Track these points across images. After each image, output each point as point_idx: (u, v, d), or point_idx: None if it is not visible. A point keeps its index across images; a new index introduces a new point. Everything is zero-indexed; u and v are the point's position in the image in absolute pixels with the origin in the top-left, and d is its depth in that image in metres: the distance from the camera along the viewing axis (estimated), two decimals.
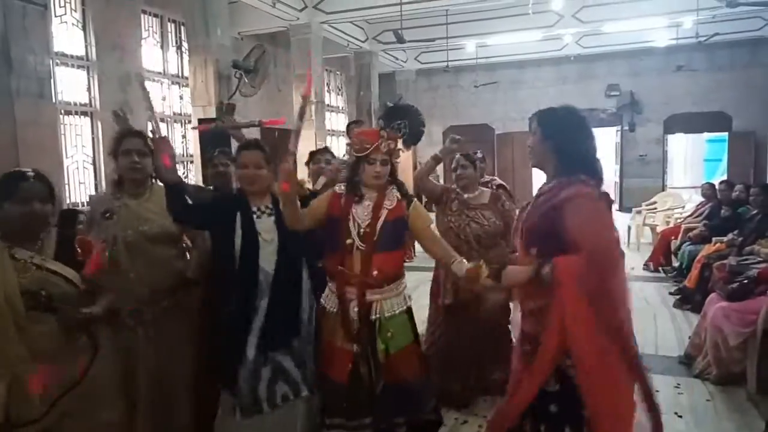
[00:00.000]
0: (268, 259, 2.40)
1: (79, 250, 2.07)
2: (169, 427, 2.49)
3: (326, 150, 3.73)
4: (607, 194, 2.00)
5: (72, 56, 6.55)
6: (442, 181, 14.33)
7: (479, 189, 3.43)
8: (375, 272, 2.28)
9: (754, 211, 5.08)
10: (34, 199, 1.88)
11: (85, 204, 4.19)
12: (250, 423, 2.38)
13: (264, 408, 2.39)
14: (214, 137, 5.90)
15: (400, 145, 2.44)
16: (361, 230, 2.31)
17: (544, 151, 2.00)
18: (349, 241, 2.30)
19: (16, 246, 1.87)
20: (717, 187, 6.62)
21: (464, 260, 2.28)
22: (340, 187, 2.44)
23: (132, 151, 2.49)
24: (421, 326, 5.01)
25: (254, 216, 2.45)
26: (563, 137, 1.96)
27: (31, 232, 1.93)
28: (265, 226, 2.44)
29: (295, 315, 2.47)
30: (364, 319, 2.31)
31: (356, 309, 2.30)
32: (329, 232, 2.39)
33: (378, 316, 2.31)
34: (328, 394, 2.40)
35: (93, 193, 6.55)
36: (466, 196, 3.37)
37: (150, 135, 2.39)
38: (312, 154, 3.64)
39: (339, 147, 12.72)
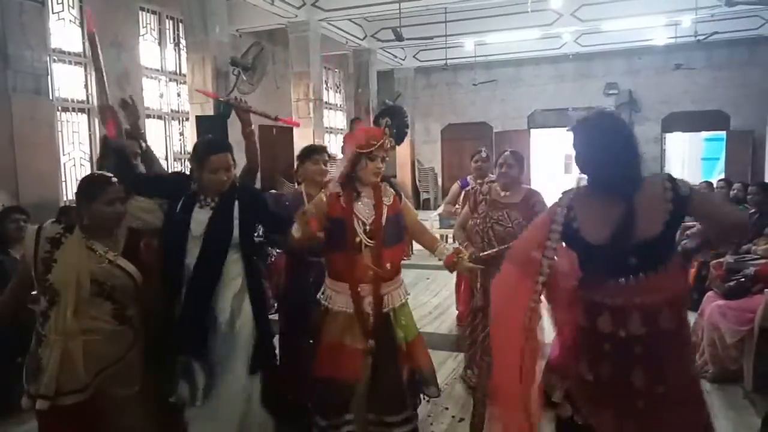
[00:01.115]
0: (192, 254, 2.36)
1: (143, 250, 2.25)
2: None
3: (324, 149, 3.39)
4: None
5: (69, 53, 6.53)
6: (440, 181, 14.36)
7: (519, 188, 3.31)
8: (388, 266, 2.38)
9: (752, 210, 5.09)
10: (116, 200, 2.12)
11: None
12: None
13: (185, 404, 2.37)
14: (211, 129, 5.89)
15: None
16: (367, 227, 2.36)
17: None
18: (357, 239, 2.34)
19: (93, 239, 2.10)
20: (716, 185, 6.62)
21: (447, 246, 2.47)
22: (335, 187, 2.42)
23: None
24: (418, 323, 5.04)
25: (197, 206, 2.41)
26: (579, 146, 1.91)
27: (109, 229, 2.15)
28: (199, 218, 2.40)
29: (204, 319, 2.38)
30: (378, 313, 2.38)
31: (371, 304, 2.37)
32: (331, 234, 2.40)
33: (391, 307, 2.41)
34: (333, 395, 2.38)
35: None
36: (502, 194, 3.29)
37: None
38: (310, 151, 3.21)
39: (337, 144, 12.73)
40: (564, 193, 1.94)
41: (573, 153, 1.93)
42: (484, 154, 4.47)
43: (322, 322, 2.45)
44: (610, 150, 1.79)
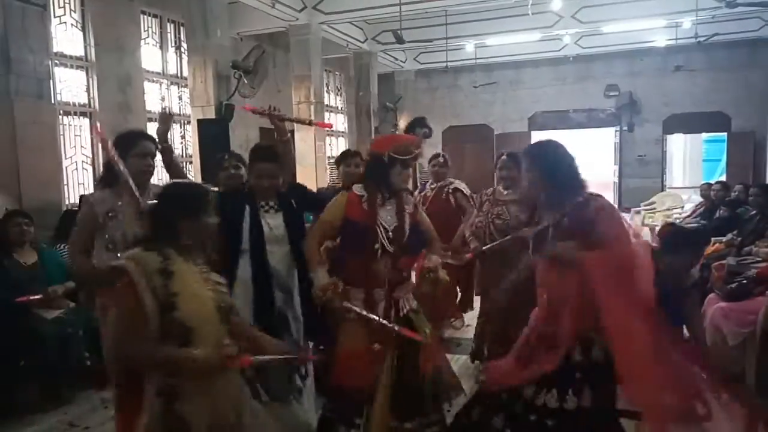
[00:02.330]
0: (279, 259, 2.57)
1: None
2: None
3: (357, 153, 3.79)
4: None
5: (71, 57, 6.55)
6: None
7: (520, 185, 3.53)
8: (405, 273, 2.42)
9: (753, 212, 5.09)
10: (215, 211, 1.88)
11: (78, 203, 4.21)
12: (271, 409, 2.45)
13: (291, 395, 2.56)
14: (215, 137, 5.91)
15: None
16: (389, 233, 2.36)
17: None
18: (377, 245, 2.34)
19: (191, 260, 1.81)
20: (712, 187, 6.62)
21: (434, 258, 2.49)
22: (359, 189, 2.44)
23: (147, 154, 2.61)
24: None
25: (262, 209, 2.61)
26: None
27: (206, 243, 1.91)
28: (274, 221, 2.60)
29: (315, 309, 2.55)
30: (394, 316, 2.39)
31: (384, 309, 2.38)
32: (349, 238, 2.42)
33: (408, 309, 2.45)
34: (351, 401, 2.40)
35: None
36: (504, 193, 3.57)
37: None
38: (344, 156, 3.79)
39: (338, 147, 12.73)
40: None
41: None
42: (441, 159, 4.47)
43: (336, 329, 2.45)
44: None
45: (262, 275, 2.56)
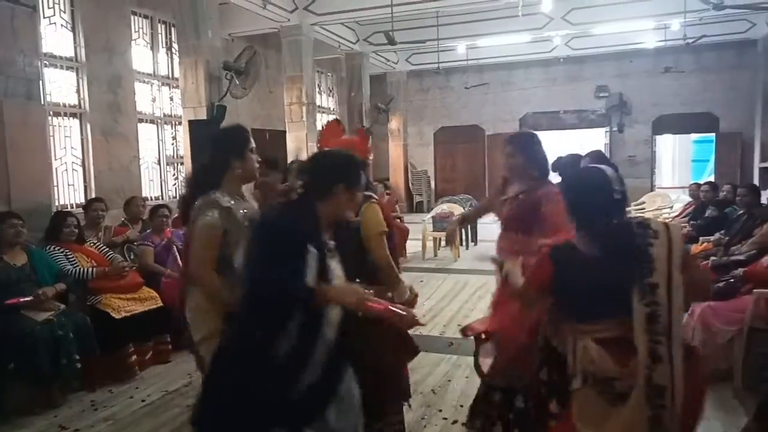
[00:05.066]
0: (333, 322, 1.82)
1: None
2: None
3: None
4: None
5: (61, 57, 6.52)
6: (432, 184, 14.40)
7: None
8: None
9: (741, 211, 5.15)
10: None
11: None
12: None
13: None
14: (206, 138, 5.89)
15: None
16: None
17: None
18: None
19: None
20: (701, 187, 6.70)
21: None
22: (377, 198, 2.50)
23: (254, 148, 2.32)
24: None
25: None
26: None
27: None
28: (336, 268, 1.88)
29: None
30: None
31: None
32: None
33: None
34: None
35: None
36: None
37: None
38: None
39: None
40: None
41: None
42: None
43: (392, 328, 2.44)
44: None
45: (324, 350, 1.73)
